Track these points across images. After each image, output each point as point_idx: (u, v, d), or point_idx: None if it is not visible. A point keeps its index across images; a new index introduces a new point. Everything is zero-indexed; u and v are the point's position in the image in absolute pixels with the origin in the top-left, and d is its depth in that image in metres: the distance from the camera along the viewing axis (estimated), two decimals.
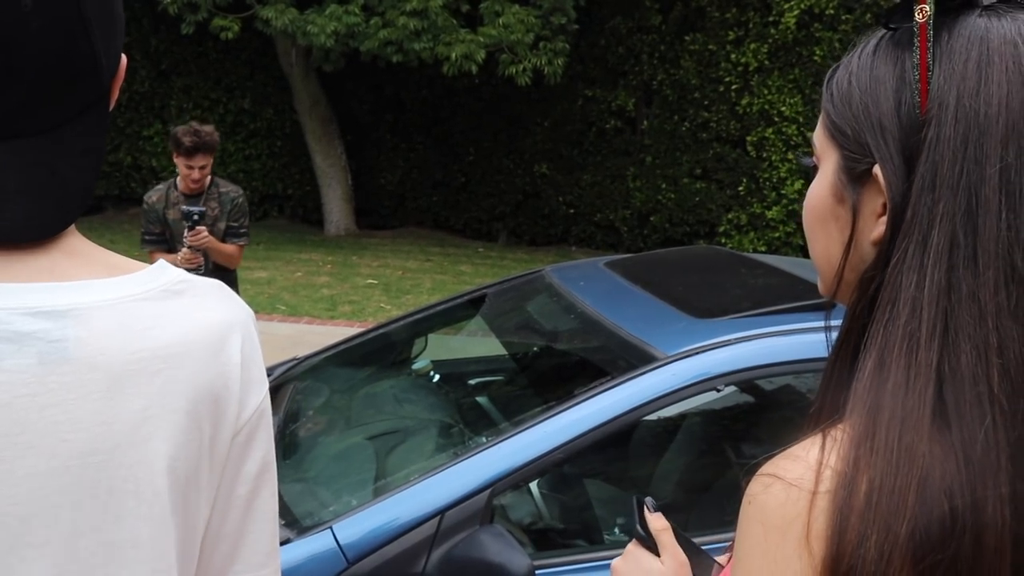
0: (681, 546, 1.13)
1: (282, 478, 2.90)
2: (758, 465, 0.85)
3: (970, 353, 0.77)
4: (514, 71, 10.93)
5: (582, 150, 12.94)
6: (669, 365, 2.56)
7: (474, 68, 10.76)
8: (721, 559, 1.11)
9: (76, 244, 0.92)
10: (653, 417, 2.96)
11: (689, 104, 12.29)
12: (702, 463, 3.29)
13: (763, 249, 11.60)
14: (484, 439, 2.71)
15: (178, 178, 4.71)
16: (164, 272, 0.94)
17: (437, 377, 3.76)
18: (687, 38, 12.20)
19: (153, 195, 4.74)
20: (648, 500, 1.17)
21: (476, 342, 4.06)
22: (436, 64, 11.01)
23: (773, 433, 3.35)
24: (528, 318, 3.66)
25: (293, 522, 2.53)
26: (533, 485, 2.88)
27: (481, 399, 3.61)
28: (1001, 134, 0.78)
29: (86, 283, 0.88)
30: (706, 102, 12.17)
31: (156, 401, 0.87)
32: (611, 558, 2.53)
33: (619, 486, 3.22)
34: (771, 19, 11.72)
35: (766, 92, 11.79)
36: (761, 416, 3.44)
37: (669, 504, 3.09)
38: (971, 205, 0.78)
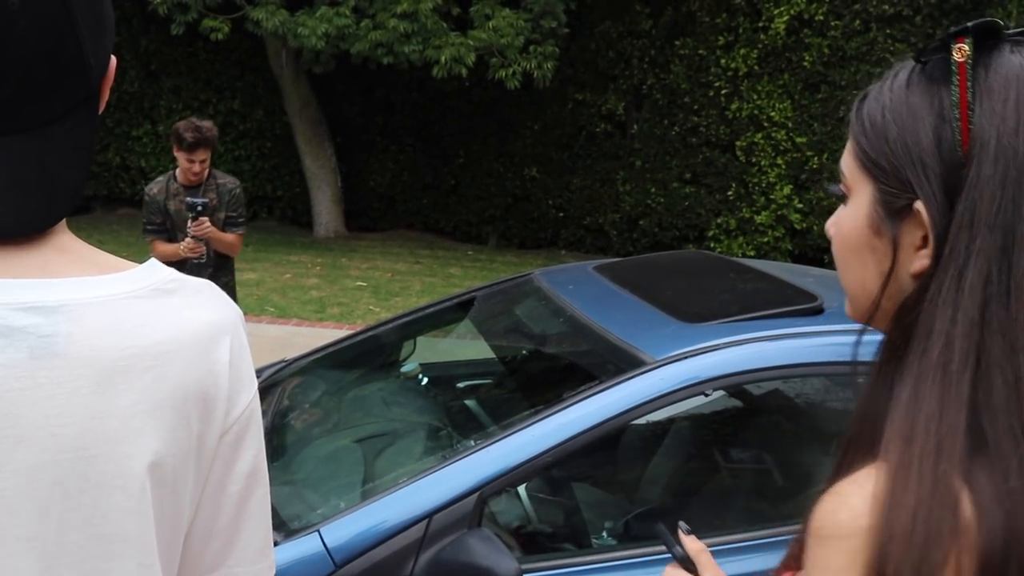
0: None
1: (270, 480, 2.90)
2: (816, 493, 0.88)
3: (1001, 386, 0.79)
4: (503, 74, 10.94)
5: (572, 154, 12.95)
6: (657, 369, 2.56)
7: (463, 71, 10.76)
8: None
9: (67, 242, 0.93)
10: (642, 421, 2.96)
11: (679, 108, 12.31)
12: (691, 467, 3.29)
13: (752, 254, 11.63)
14: (472, 442, 2.71)
15: (177, 170, 4.91)
16: (155, 271, 0.95)
17: (426, 380, 3.76)
18: (677, 43, 12.23)
19: (154, 187, 4.93)
20: (681, 524, 1.26)
21: (465, 345, 4.06)
22: (426, 67, 11.01)
23: (762, 437, 3.36)
24: (517, 321, 3.66)
25: (280, 525, 2.52)
26: (521, 489, 2.88)
27: (469, 402, 3.61)
28: None
29: (77, 280, 0.89)
30: (696, 107, 12.20)
31: (145, 397, 0.88)
32: (599, 562, 2.53)
33: (608, 490, 3.22)
34: (761, 24, 11.75)
35: (756, 97, 11.82)
36: (750, 420, 3.45)
37: (658, 508, 3.10)
38: (1007, 243, 0.81)
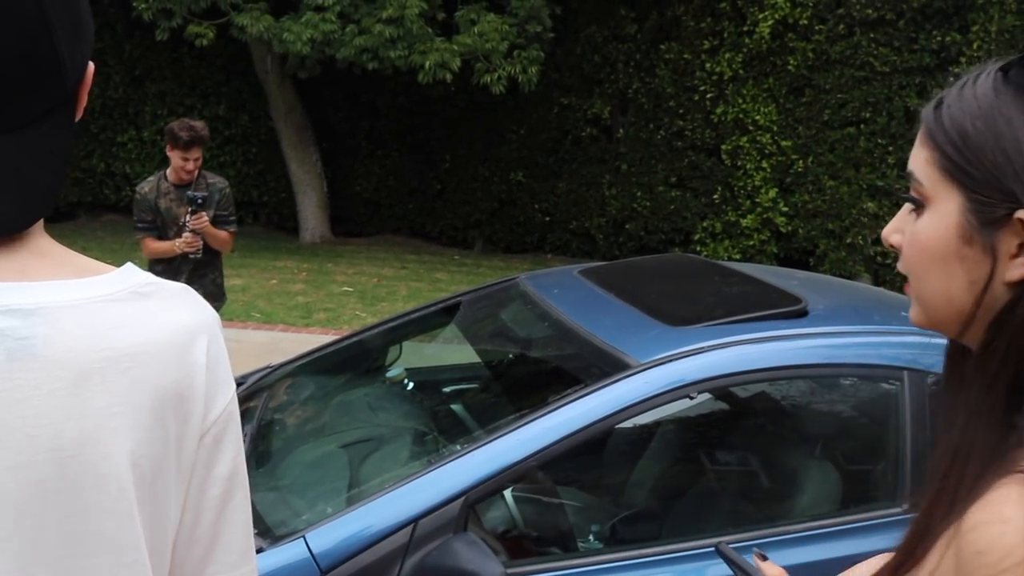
0: None
1: (255, 487, 2.89)
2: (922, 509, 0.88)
3: None
4: (489, 79, 10.94)
5: (558, 158, 12.96)
6: (642, 373, 2.57)
7: (448, 77, 10.76)
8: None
9: (46, 246, 0.94)
10: (627, 424, 2.97)
11: (664, 112, 12.34)
12: (676, 470, 3.30)
13: (737, 257, 11.66)
14: (458, 447, 2.71)
15: (168, 170, 5.04)
16: (132, 275, 0.96)
17: (411, 385, 3.75)
18: (662, 47, 12.26)
19: (145, 186, 5.04)
20: (756, 551, 1.25)
21: (450, 350, 4.06)
22: (411, 72, 11.00)
23: (746, 439, 3.37)
24: (502, 326, 3.66)
25: (266, 531, 2.51)
26: (507, 493, 2.88)
27: (455, 407, 3.61)
28: None
29: (55, 283, 0.90)
30: (681, 111, 12.23)
31: (121, 399, 0.89)
32: (585, 566, 2.54)
33: (593, 493, 3.22)
34: (746, 29, 11.79)
35: (740, 101, 11.86)
36: (734, 423, 3.46)
37: (642, 511, 3.10)
38: None
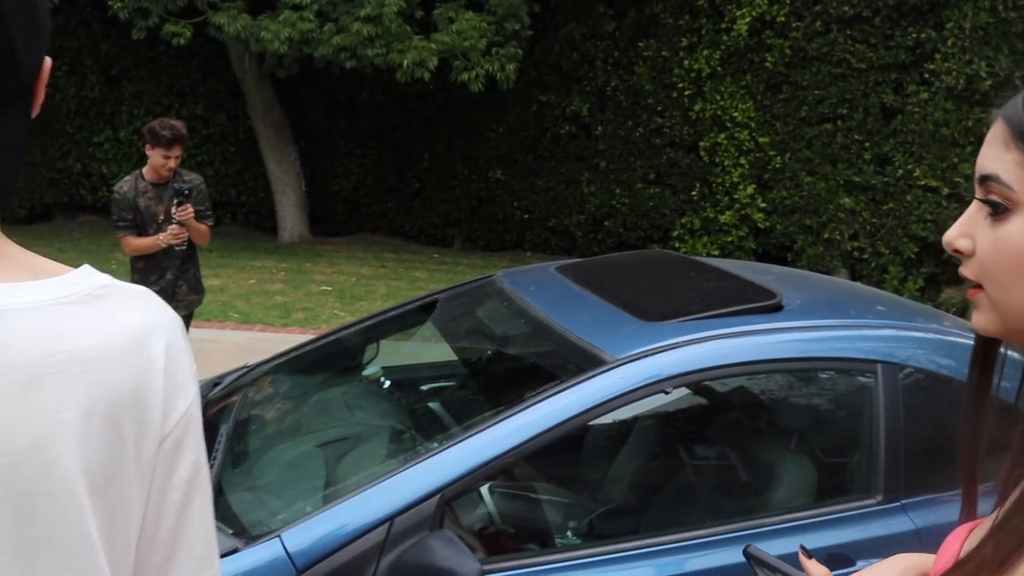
0: None
1: (231, 487, 2.88)
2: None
3: None
4: (467, 77, 10.93)
5: (536, 155, 12.97)
6: (618, 368, 2.57)
7: (427, 75, 10.75)
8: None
9: (2, 247, 0.93)
10: (604, 420, 2.97)
11: (643, 110, 12.36)
12: (652, 465, 3.31)
13: (716, 253, 11.70)
14: (434, 444, 2.71)
15: (145, 168, 5.14)
16: (88, 277, 0.94)
17: (388, 383, 3.74)
18: (640, 44, 12.28)
19: (124, 185, 5.13)
20: (802, 546, 1.26)
21: (427, 348, 4.05)
22: (389, 70, 10.98)
23: (722, 433, 3.38)
24: (479, 323, 3.66)
25: (242, 531, 2.50)
26: (484, 489, 2.88)
27: (432, 405, 3.60)
28: None
29: (9, 285, 0.89)
30: (659, 108, 12.26)
31: (73, 404, 0.87)
32: (562, 561, 2.54)
33: (570, 489, 3.22)
34: (723, 26, 11.83)
35: (719, 98, 11.89)
36: (710, 417, 3.47)
37: (619, 506, 3.11)
38: None
